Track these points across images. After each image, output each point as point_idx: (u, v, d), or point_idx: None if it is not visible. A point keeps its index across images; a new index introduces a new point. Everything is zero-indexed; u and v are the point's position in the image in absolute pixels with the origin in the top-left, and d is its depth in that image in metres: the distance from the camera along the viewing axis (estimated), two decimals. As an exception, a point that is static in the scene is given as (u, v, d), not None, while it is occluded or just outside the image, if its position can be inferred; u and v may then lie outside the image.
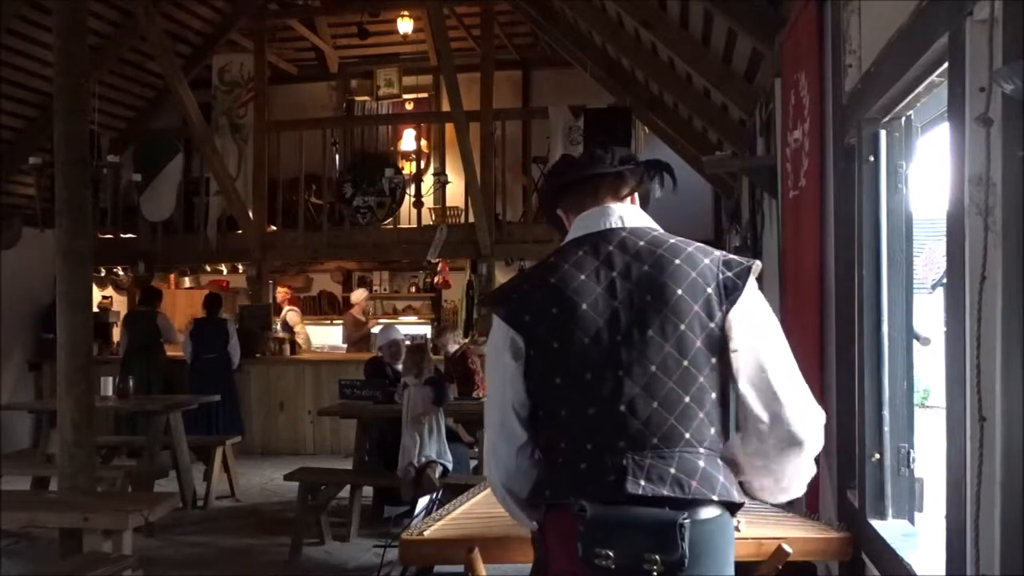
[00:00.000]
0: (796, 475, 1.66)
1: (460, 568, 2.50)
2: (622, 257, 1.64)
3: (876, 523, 2.30)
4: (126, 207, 9.18)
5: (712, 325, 1.60)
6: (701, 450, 1.58)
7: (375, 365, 6.45)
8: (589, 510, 1.51)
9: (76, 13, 4.45)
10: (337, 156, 10.39)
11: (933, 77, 1.90)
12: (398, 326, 7.71)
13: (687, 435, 1.58)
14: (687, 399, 1.58)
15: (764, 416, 1.59)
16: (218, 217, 9.35)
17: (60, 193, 4.31)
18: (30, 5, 7.38)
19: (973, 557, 1.51)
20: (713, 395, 1.61)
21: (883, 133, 2.35)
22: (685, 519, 1.50)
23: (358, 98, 11.20)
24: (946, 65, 1.69)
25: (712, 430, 1.61)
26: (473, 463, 5.98)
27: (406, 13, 9.71)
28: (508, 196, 9.46)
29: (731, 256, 1.68)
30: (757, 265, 1.66)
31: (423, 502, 5.21)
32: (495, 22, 9.12)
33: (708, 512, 1.55)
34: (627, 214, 1.74)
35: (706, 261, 1.64)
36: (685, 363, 1.58)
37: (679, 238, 1.70)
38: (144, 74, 9.47)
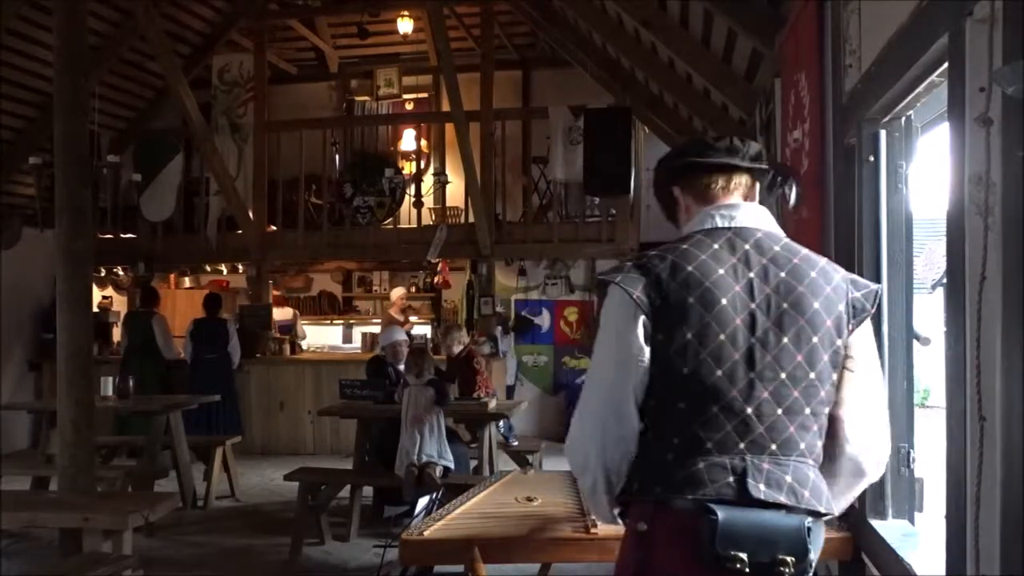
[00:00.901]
0: (843, 497, 1.69)
1: (460, 568, 2.50)
2: (759, 258, 1.61)
3: (876, 523, 2.31)
4: (126, 207, 9.17)
5: (839, 343, 1.61)
6: (810, 461, 1.59)
7: (377, 365, 6.45)
8: (720, 513, 1.48)
9: (76, 13, 4.44)
10: (337, 156, 10.39)
11: (933, 77, 1.90)
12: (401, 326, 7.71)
13: (802, 446, 1.57)
14: (807, 410, 1.58)
15: (856, 442, 1.64)
16: (218, 217, 9.35)
17: (60, 193, 4.31)
18: (30, 5, 7.38)
19: (973, 557, 1.51)
20: (827, 410, 1.61)
21: (883, 133, 2.35)
22: (810, 523, 1.52)
23: (358, 98, 11.20)
24: (946, 65, 1.69)
25: (820, 444, 1.61)
26: (473, 463, 5.98)
27: (406, 13, 9.71)
28: (508, 196, 9.46)
29: (854, 275, 1.70)
30: (880, 288, 1.70)
31: (423, 502, 5.21)
32: (495, 22, 9.12)
33: (812, 519, 1.55)
34: (760, 215, 1.71)
35: (837, 277, 1.64)
36: (812, 375, 1.57)
37: (807, 249, 1.69)
38: (144, 74, 9.47)
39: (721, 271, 1.59)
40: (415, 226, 9.39)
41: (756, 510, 1.50)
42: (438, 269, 10.20)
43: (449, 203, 10.06)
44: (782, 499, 1.51)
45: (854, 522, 2.38)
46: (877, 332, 2.37)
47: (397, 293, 9.99)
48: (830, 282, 1.62)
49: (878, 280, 2.38)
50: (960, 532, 1.58)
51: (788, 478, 1.54)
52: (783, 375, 1.56)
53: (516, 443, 6.69)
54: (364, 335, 10.43)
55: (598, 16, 6.91)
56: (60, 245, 4.33)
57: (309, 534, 5.29)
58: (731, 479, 1.52)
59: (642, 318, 1.59)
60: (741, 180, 1.74)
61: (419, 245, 8.96)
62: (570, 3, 7.40)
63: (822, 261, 1.66)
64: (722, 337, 1.56)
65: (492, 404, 6.16)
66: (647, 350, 1.58)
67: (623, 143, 8.08)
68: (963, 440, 1.56)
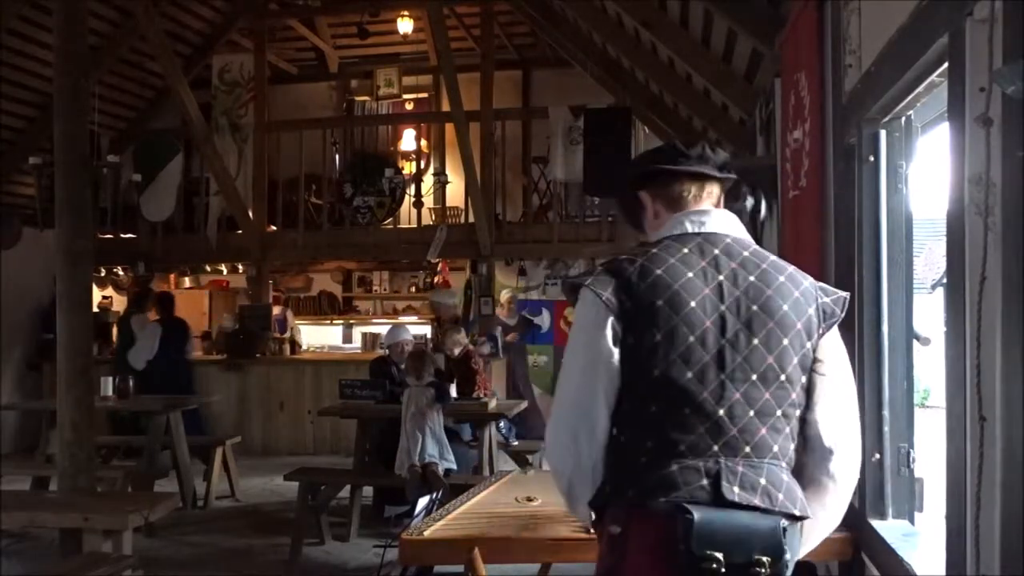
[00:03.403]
0: (821, 507, 1.65)
1: (460, 568, 2.50)
2: (728, 263, 1.63)
3: (876, 523, 2.31)
4: (126, 207, 9.15)
5: (808, 346, 1.62)
6: (783, 464, 1.59)
7: (381, 365, 6.45)
8: (696, 513, 1.48)
9: (76, 13, 4.44)
10: (337, 156, 10.39)
11: (933, 77, 1.90)
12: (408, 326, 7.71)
13: (775, 448, 1.58)
14: (779, 412, 1.58)
15: (827, 445, 1.63)
16: (218, 217, 9.35)
17: (60, 193, 4.30)
18: (30, 5, 7.38)
19: (973, 557, 1.51)
20: (799, 412, 1.62)
21: (883, 133, 2.35)
22: (784, 524, 1.52)
23: (358, 98, 11.20)
24: (946, 65, 1.69)
25: (792, 446, 1.62)
26: (473, 463, 5.97)
27: (406, 13, 9.71)
28: (508, 196, 9.46)
29: (822, 283, 1.72)
30: (847, 296, 1.71)
31: (423, 502, 5.21)
32: (495, 22, 9.12)
33: (787, 521, 1.55)
34: (730, 222, 1.73)
35: (806, 283, 1.66)
36: (783, 377, 1.58)
37: (775, 256, 1.71)
38: (144, 74, 9.47)
39: (690, 274, 1.60)
40: (415, 226, 9.39)
41: (731, 511, 1.50)
42: (438, 269, 10.20)
43: (449, 203, 10.06)
44: (756, 501, 1.51)
45: (854, 522, 2.37)
46: (877, 332, 2.38)
47: (507, 295, 9.14)
48: (798, 287, 1.64)
49: (878, 280, 2.38)
50: (960, 532, 1.58)
51: (762, 480, 1.54)
52: (754, 376, 1.57)
53: (516, 443, 6.69)
54: (364, 335, 10.44)
55: (598, 16, 6.91)
56: (60, 245, 4.33)
57: (309, 534, 5.29)
58: (705, 482, 1.52)
59: (611, 320, 1.59)
60: (712, 189, 1.76)
61: (419, 245, 8.96)
62: (570, 3, 7.40)
63: (790, 268, 1.68)
64: (692, 339, 1.56)
65: (492, 404, 6.17)
66: (616, 352, 1.59)
67: (623, 143, 8.08)
68: (963, 440, 1.56)
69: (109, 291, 10.67)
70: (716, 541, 1.47)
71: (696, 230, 1.68)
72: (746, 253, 1.66)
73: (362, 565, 4.98)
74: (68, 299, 4.29)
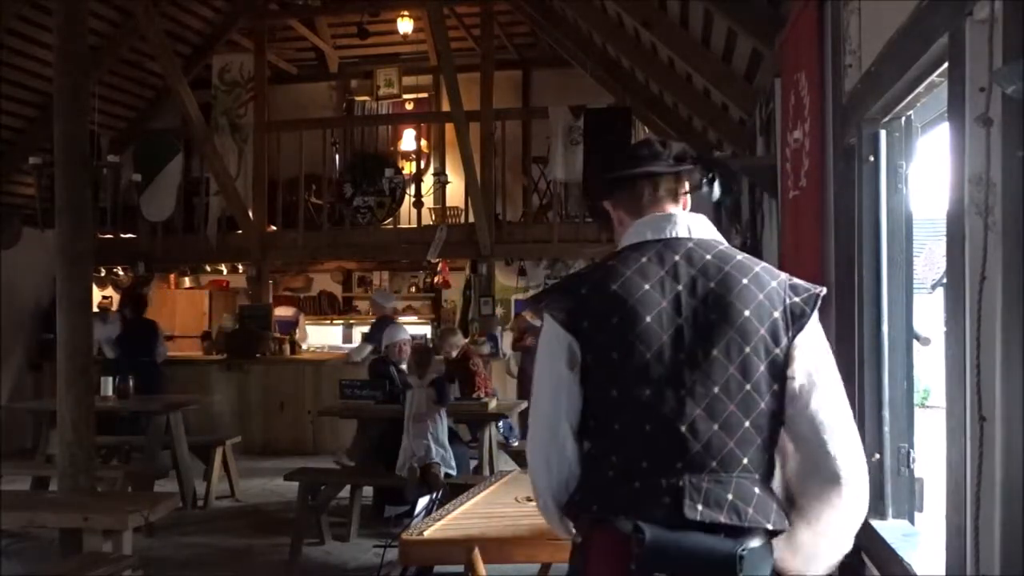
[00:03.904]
0: (833, 524, 1.58)
1: (460, 568, 2.50)
2: (688, 270, 1.58)
3: (876, 523, 2.30)
4: (126, 207, 9.16)
5: (777, 351, 1.55)
6: (757, 476, 1.54)
7: (380, 365, 6.45)
8: (648, 532, 1.45)
9: (76, 13, 4.44)
10: (337, 156, 10.39)
11: (933, 77, 1.90)
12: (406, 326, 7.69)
13: (745, 460, 1.53)
14: (747, 424, 1.52)
15: (811, 449, 1.56)
16: (218, 217, 9.35)
17: (60, 193, 4.31)
18: (30, 5, 7.38)
19: (973, 557, 1.51)
20: (772, 422, 1.56)
21: (883, 133, 2.35)
22: (743, 551, 1.47)
23: (358, 98, 11.21)
24: (946, 65, 1.69)
25: (767, 457, 1.57)
26: (473, 463, 5.98)
27: (406, 13, 9.71)
28: (508, 196, 9.46)
29: (796, 280, 1.63)
30: (822, 291, 1.62)
31: (423, 502, 5.21)
32: (495, 22, 9.13)
33: (758, 540, 1.51)
34: (694, 224, 1.66)
35: (773, 284, 1.58)
36: (748, 387, 1.53)
37: (745, 255, 1.64)
38: (144, 74, 9.47)
39: (647, 286, 1.56)
40: (415, 226, 9.39)
41: (690, 532, 1.47)
42: (438, 269, 10.21)
43: (449, 203, 10.06)
44: (722, 519, 1.47)
45: (854, 522, 2.37)
46: (877, 332, 2.38)
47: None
48: (763, 288, 1.57)
49: (878, 280, 2.38)
50: (960, 532, 1.58)
51: (729, 496, 1.49)
52: (716, 389, 1.52)
53: (516, 443, 6.69)
54: (364, 335, 10.44)
55: (598, 16, 6.91)
56: (60, 245, 4.33)
57: (309, 534, 5.29)
58: (667, 499, 1.49)
59: (568, 342, 1.58)
60: (669, 185, 1.71)
61: (419, 245, 8.96)
62: (570, 3, 7.40)
63: (757, 267, 1.61)
64: (648, 355, 1.53)
65: (492, 404, 6.17)
66: (576, 375, 1.58)
67: (623, 143, 8.08)
68: (963, 440, 1.56)
69: (109, 291, 10.67)
70: (665, 562, 1.45)
71: (656, 237, 1.64)
72: (709, 257, 1.60)
73: (362, 565, 4.98)
74: (68, 299, 4.29)
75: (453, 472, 5.15)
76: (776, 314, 1.55)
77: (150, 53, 8.59)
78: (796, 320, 1.56)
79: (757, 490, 1.52)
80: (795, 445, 1.57)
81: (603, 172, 1.82)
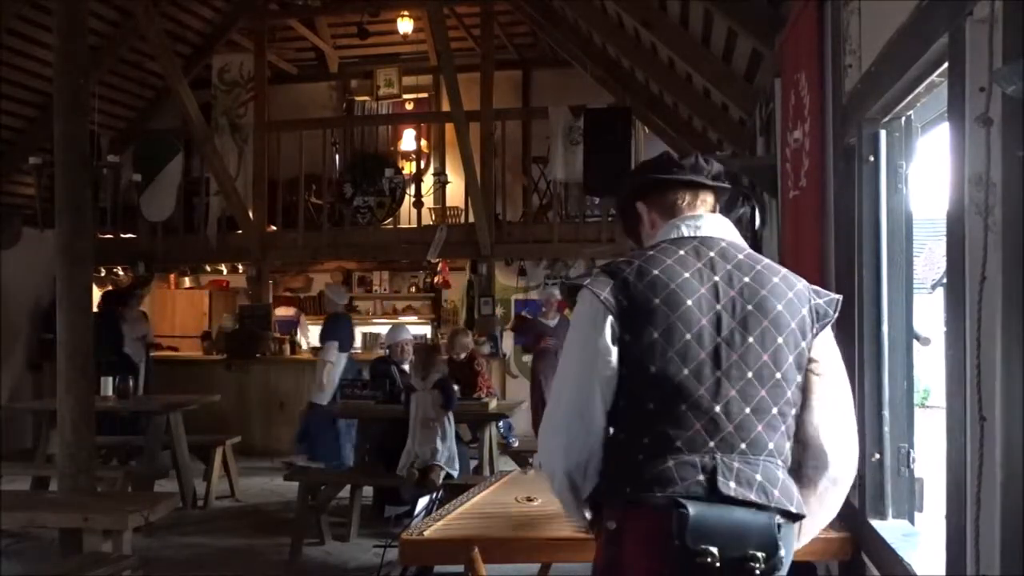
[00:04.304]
0: (819, 505, 1.69)
1: (460, 568, 2.50)
2: (723, 265, 1.66)
3: (876, 523, 2.31)
4: (126, 207, 9.17)
5: (803, 345, 1.65)
6: (779, 462, 1.61)
7: (381, 364, 6.45)
8: (691, 508, 1.49)
9: (76, 13, 4.45)
10: (337, 156, 10.39)
11: (933, 77, 1.90)
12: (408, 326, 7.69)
13: (770, 445, 1.60)
14: (775, 410, 1.60)
15: (823, 444, 1.66)
16: (218, 217, 9.35)
17: (60, 193, 4.31)
18: (30, 5, 7.38)
19: (973, 557, 1.51)
20: (794, 411, 1.64)
21: (883, 133, 2.35)
22: (780, 521, 1.54)
23: (358, 98, 11.20)
24: (946, 65, 1.69)
25: (788, 444, 1.64)
26: (473, 463, 5.98)
27: (406, 13, 9.71)
28: (508, 196, 9.46)
29: (815, 286, 1.75)
30: (841, 298, 1.74)
31: (423, 502, 5.21)
32: (495, 22, 9.12)
33: (783, 518, 1.57)
34: (725, 226, 1.77)
35: (799, 285, 1.70)
36: (778, 375, 1.61)
37: (768, 260, 1.75)
38: (144, 74, 9.47)
39: (687, 274, 1.63)
40: (415, 226, 9.39)
41: (726, 506, 1.52)
42: (438, 269, 10.20)
43: (449, 203, 10.06)
44: (752, 497, 1.53)
45: (854, 522, 2.38)
46: (877, 332, 2.38)
47: (553, 294, 8.28)
48: (792, 288, 1.68)
49: (878, 280, 2.38)
50: (960, 532, 1.58)
51: (758, 476, 1.56)
52: (749, 374, 1.59)
53: (516, 443, 6.69)
54: (364, 335, 10.43)
55: (598, 16, 6.91)
56: (60, 245, 4.33)
57: (309, 534, 5.29)
58: (701, 477, 1.54)
59: (610, 319, 1.62)
60: (707, 197, 1.81)
61: (419, 245, 8.96)
62: (570, 3, 7.40)
63: (783, 270, 1.72)
64: (688, 336, 1.59)
65: (492, 404, 6.17)
66: (615, 350, 1.61)
67: (623, 143, 8.08)
68: (963, 440, 1.56)
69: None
70: (711, 535, 1.49)
71: (692, 234, 1.72)
72: (741, 256, 1.69)
73: (362, 565, 4.98)
74: (68, 299, 4.29)
75: (455, 473, 5.14)
76: (804, 311, 1.66)
77: (150, 53, 8.59)
78: (820, 319, 1.68)
79: (781, 475, 1.60)
80: (809, 436, 1.68)
81: (641, 174, 1.89)
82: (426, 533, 2.53)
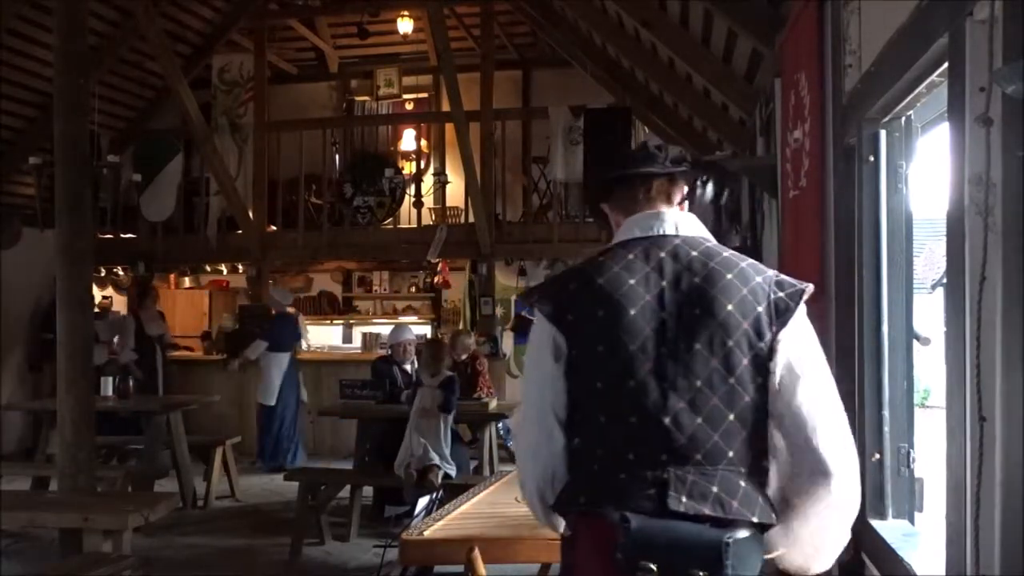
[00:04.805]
0: (827, 518, 1.59)
1: (460, 568, 2.50)
2: (673, 266, 1.61)
3: (876, 523, 2.31)
4: (126, 207, 9.17)
5: (761, 345, 1.56)
6: (743, 470, 1.55)
7: (383, 364, 6.45)
8: (633, 522, 1.47)
9: (76, 13, 4.45)
10: (337, 156, 10.39)
11: (933, 77, 1.90)
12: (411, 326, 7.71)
13: (730, 454, 1.54)
14: (731, 417, 1.54)
15: (797, 444, 1.55)
16: (218, 217, 9.35)
17: (60, 193, 4.31)
18: (30, 5, 7.38)
19: (973, 557, 1.51)
20: (757, 416, 1.56)
21: (883, 133, 2.35)
22: (729, 538, 1.47)
23: (358, 98, 11.20)
24: (946, 65, 1.69)
25: (754, 452, 1.57)
26: (473, 463, 5.98)
27: (406, 13, 9.70)
28: (508, 196, 9.45)
29: (783, 276, 1.64)
30: (809, 288, 1.63)
31: (423, 502, 5.21)
32: (495, 22, 9.12)
33: (744, 532, 1.51)
34: (681, 221, 1.70)
35: (758, 279, 1.60)
36: (731, 380, 1.54)
37: (732, 252, 1.67)
38: (144, 74, 9.47)
39: (632, 281, 1.60)
40: (415, 226, 9.39)
41: (675, 521, 1.48)
42: (438, 269, 10.20)
43: (449, 203, 10.06)
44: (706, 511, 1.48)
45: (854, 522, 2.37)
46: (877, 332, 2.37)
47: None
48: (747, 283, 1.59)
49: (878, 280, 2.38)
50: (960, 532, 1.58)
51: (714, 488, 1.51)
52: (698, 382, 1.54)
53: (513, 445, 6.69)
54: (364, 335, 10.44)
55: (598, 16, 6.91)
56: (60, 245, 4.33)
57: (309, 534, 5.29)
58: (652, 491, 1.51)
59: (555, 335, 1.61)
60: (663, 186, 1.75)
61: (419, 245, 8.96)
62: (570, 3, 7.40)
63: (743, 263, 1.63)
64: (632, 348, 1.55)
65: (492, 404, 6.17)
66: (561, 368, 1.61)
67: (623, 143, 8.08)
68: (963, 440, 1.56)
69: (109, 291, 10.67)
70: (652, 550, 1.46)
71: (644, 234, 1.68)
72: (695, 253, 1.63)
73: (362, 565, 4.98)
74: (68, 299, 4.29)
75: (453, 473, 5.14)
76: (760, 309, 1.57)
77: (150, 53, 8.58)
78: (780, 315, 1.57)
79: (742, 483, 1.53)
80: (784, 442, 1.57)
81: (600, 174, 1.87)
82: (426, 533, 2.53)
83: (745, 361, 1.55)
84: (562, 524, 1.69)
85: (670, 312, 1.57)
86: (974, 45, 1.51)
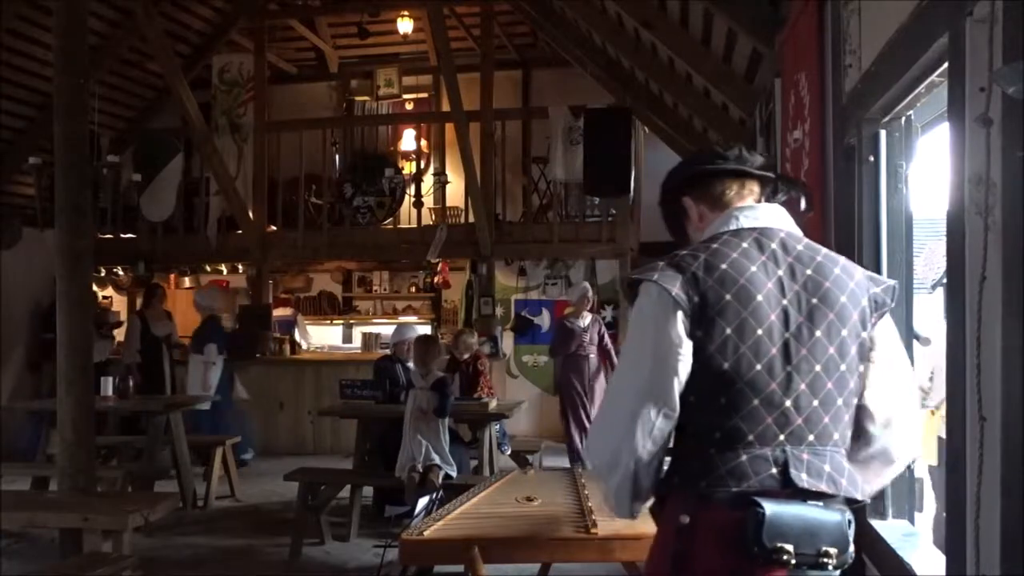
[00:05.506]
0: (870, 485, 1.72)
1: (460, 568, 2.50)
2: (784, 257, 1.66)
3: (876, 523, 2.31)
4: (126, 207, 9.17)
5: (864, 335, 1.66)
6: (843, 451, 1.64)
7: (386, 363, 6.45)
8: (767, 507, 1.52)
9: (76, 13, 4.44)
10: (337, 156, 10.39)
11: (933, 77, 1.91)
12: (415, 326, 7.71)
13: (835, 436, 1.62)
14: (840, 401, 1.62)
15: (875, 428, 1.68)
16: (218, 217, 9.35)
17: (60, 193, 4.30)
18: (30, 5, 7.38)
19: (973, 557, 1.51)
20: (855, 401, 1.66)
21: (883, 133, 2.35)
22: (849, 517, 1.57)
23: (358, 98, 11.20)
24: (946, 65, 1.69)
25: (850, 433, 1.66)
26: (473, 463, 5.97)
27: (406, 13, 9.71)
28: (508, 196, 9.46)
29: (872, 273, 1.75)
30: (897, 284, 1.74)
31: (423, 502, 5.20)
32: (495, 22, 9.12)
33: (847, 509, 1.60)
34: (780, 215, 1.76)
35: (859, 275, 1.69)
36: (843, 367, 1.62)
37: (827, 249, 1.74)
38: (144, 74, 9.47)
39: (753, 268, 1.64)
40: (415, 226, 9.39)
41: (799, 504, 1.55)
42: (438, 269, 10.20)
43: (449, 203, 10.06)
44: (823, 487, 1.56)
45: (854, 522, 2.37)
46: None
47: (586, 293, 7.50)
48: (852, 277, 1.67)
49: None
50: (960, 532, 1.58)
51: (827, 467, 1.58)
52: (818, 367, 1.61)
53: (508, 451, 6.68)
54: (364, 335, 10.44)
55: (598, 16, 6.91)
56: (60, 245, 4.33)
57: (309, 534, 5.29)
58: (774, 470, 1.56)
59: (680, 314, 1.61)
60: (753, 187, 1.79)
61: (419, 245, 8.96)
62: (570, 3, 7.40)
63: (842, 259, 1.71)
64: (759, 332, 1.60)
65: (492, 404, 6.17)
66: (688, 343, 1.61)
67: (623, 143, 8.08)
68: (963, 440, 1.56)
69: (109, 291, 10.67)
70: (786, 533, 1.51)
71: (750, 225, 1.71)
72: (800, 247, 1.69)
73: (362, 565, 4.98)
74: (68, 299, 4.29)
75: (453, 473, 5.14)
76: (864, 302, 1.67)
77: (150, 53, 8.58)
78: (879, 308, 1.69)
79: (846, 464, 1.63)
80: (870, 424, 1.69)
81: (685, 168, 1.88)
82: (426, 533, 2.53)
83: (853, 350, 1.64)
84: (643, 508, 1.68)
85: (790, 300, 1.63)
86: (974, 45, 1.51)
